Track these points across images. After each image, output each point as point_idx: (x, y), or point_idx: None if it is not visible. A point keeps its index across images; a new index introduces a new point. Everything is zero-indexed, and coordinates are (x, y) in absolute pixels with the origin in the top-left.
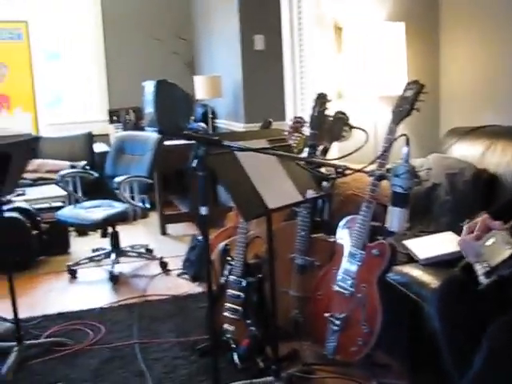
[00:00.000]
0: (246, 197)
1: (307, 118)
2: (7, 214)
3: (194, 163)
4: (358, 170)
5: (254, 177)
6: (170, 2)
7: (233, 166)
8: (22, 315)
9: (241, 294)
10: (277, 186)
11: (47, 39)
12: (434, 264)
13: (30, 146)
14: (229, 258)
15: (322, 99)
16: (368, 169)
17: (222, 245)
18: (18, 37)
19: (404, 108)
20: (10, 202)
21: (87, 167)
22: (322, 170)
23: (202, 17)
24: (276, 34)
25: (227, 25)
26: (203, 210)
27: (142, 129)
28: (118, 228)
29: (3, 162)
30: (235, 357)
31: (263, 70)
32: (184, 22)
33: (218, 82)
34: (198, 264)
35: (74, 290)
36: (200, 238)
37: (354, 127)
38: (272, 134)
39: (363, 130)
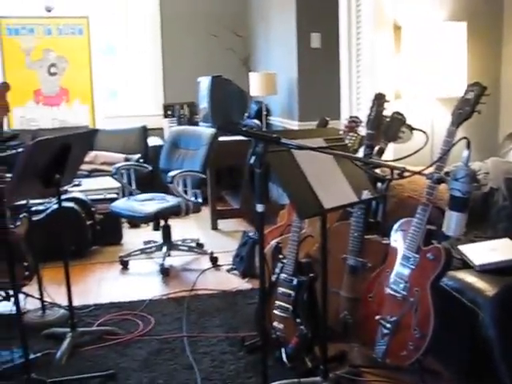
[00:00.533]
0: (301, 196)
1: (362, 118)
2: (64, 204)
3: (252, 160)
4: (417, 173)
5: (310, 176)
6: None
7: (290, 164)
8: (75, 303)
9: (291, 292)
10: (332, 186)
11: (106, 34)
12: (489, 271)
13: (89, 138)
14: (281, 256)
15: (380, 99)
16: (426, 171)
17: (274, 242)
18: (79, 32)
19: (464, 110)
20: (66, 191)
21: (141, 160)
22: (377, 170)
23: (258, 13)
24: (333, 31)
25: (284, 22)
26: (259, 208)
27: (195, 124)
28: (170, 221)
29: (63, 153)
30: (283, 355)
31: (319, 68)
32: (240, 19)
33: (273, 79)
34: (248, 260)
35: (126, 281)
36: (251, 234)
37: (415, 129)
38: (329, 132)
39: (423, 132)
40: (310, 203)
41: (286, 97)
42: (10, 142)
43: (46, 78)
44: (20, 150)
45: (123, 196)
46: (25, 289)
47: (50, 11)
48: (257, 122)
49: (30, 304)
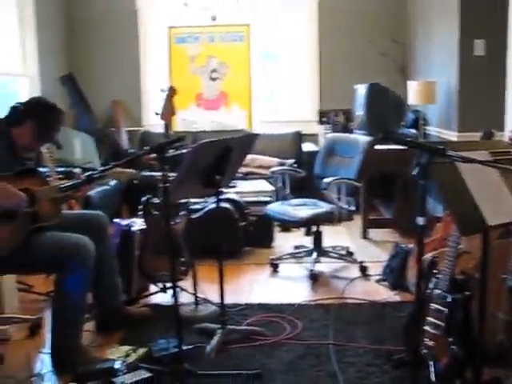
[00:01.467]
0: (464, 211)
1: None
2: (220, 204)
3: (415, 171)
4: None
5: (474, 190)
6: (387, 5)
7: (453, 177)
8: (226, 301)
9: (445, 309)
10: (497, 202)
11: (266, 41)
12: None
13: (249, 142)
14: (435, 271)
15: None
16: None
17: (429, 256)
18: (240, 39)
19: None
20: (222, 192)
21: (295, 165)
22: None
23: (418, 20)
24: (499, 38)
25: (445, 28)
26: (420, 220)
27: (350, 131)
28: (322, 228)
29: (225, 156)
30: (432, 374)
31: (482, 77)
32: (399, 26)
33: (432, 87)
34: (399, 272)
35: (275, 284)
36: (403, 245)
37: None
38: (495, 145)
39: None
40: (473, 219)
41: (444, 106)
42: (177, 143)
43: (208, 83)
44: (183, 150)
45: (276, 200)
46: (180, 283)
47: (214, 20)
48: (413, 131)
49: (183, 298)
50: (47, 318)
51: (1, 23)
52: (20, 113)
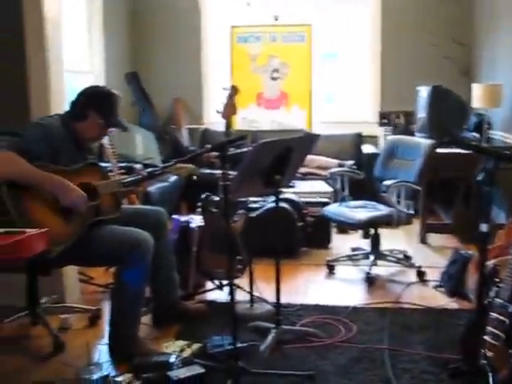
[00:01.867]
0: None
1: None
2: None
3: (481, 177)
4: None
5: None
6: (451, 5)
7: None
8: (282, 300)
9: (506, 319)
10: None
11: (327, 41)
12: None
13: (310, 143)
14: (496, 280)
15: None
16: None
17: (490, 264)
18: (302, 39)
19: None
20: (281, 192)
21: (354, 167)
22: None
23: (483, 21)
24: None
25: None
26: (484, 227)
27: (411, 133)
28: (380, 231)
29: (285, 156)
30: None
31: None
32: (463, 27)
33: (497, 90)
34: (458, 279)
35: (331, 285)
36: (462, 251)
37: None
38: None
39: None
40: None
41: (510, 110)
42: (240, 142)
43: (269, 83)
44: (244, 149)
45: (335, 201)
46: (236, 281)
47: (277, 20)
48: (476, 135)
49: (238, 296)
50: (106, 309)
51: (71, 25)
52: (81, 107)
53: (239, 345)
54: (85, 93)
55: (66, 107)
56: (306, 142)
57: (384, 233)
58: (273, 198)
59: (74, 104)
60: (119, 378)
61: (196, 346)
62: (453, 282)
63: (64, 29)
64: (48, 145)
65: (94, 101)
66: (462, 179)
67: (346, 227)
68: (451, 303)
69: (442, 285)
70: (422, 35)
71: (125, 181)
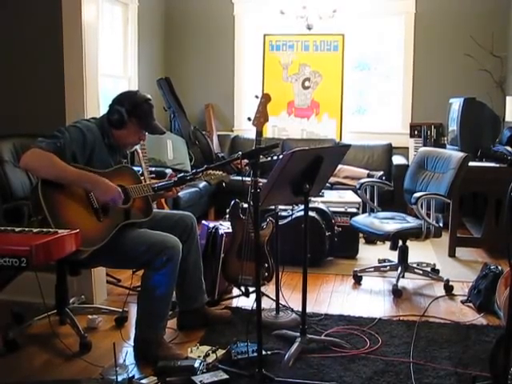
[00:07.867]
0: None
1: None
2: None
3: None
4: None
5: None
6: (486, 17)
7: None
8: (307, 309)
9: None
10: None
11: (359, 51)
12: None
13: (341, 153)
14: None
15: None
16: None
17: None
18: (334, 48)
19: None
20: (310, 201)
21: (383, 178)
22: None
23: None
24: None
25: None
26: None
27: (442, 146)
28: (408, 243)
29: (316, 165)
30: None
31: None
32: (498, 39)
33: None
34: (487, 294)
35: (357, 296)
36: (492, 267)
37: None
38: None
39: None
40: None
41: None
42: (272, 150)
43: (300, 91)
44: (274, 157)
45: (363, 211)
46: (262, 288)
47: (310, 29)
48: (509, 148)
49: (264, 303)
50: (132, 311)
51: (107, 30)
52: (120, 115)
53: (264, 352)
54: (122, 100)
55: (101, 111)
56: (337, 152)
57: (412, 245)
58: (301, 207)
59: (112, 111)
60: (144, 381)
61: (221, 351)
62: (481, 297)
63: (100, 34)
64: (83, 147)
65: (133, 109)
66: (492, 193)
67: (374, 238)
68: (479, 319)
69: (471, 300)
70: (456, 46)
71: (157, 185)
